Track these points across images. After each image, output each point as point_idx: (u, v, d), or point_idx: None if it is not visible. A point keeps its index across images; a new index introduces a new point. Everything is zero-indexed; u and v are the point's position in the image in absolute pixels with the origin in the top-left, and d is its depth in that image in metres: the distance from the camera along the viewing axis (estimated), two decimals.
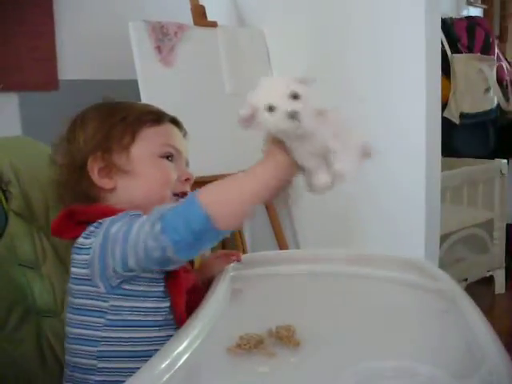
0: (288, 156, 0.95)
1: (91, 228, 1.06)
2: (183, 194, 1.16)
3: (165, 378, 0.81)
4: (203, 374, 0.90)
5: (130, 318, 1.05)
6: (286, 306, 1.10)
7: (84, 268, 1.05)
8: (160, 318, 1.07)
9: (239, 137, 2.91)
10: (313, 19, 2.80)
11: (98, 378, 1.06)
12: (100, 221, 1.06)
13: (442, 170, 2.57)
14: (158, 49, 2.61)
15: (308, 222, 2.93)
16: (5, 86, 2.53)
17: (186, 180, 1.18)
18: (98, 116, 1.17)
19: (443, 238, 3.00)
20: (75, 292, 1.09)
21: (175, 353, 0.87)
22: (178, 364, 0.85)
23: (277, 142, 0.95)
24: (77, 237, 1.08)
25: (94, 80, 2.63)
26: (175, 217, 0.95)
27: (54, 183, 1.19)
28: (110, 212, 1.06)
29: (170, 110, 2.60)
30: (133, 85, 2.50)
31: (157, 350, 0.98)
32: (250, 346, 0.90)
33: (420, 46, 2.34)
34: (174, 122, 1.24)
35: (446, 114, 3.51)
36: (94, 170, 1.13)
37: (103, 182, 1.13)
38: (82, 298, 1.07)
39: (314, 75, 2.97)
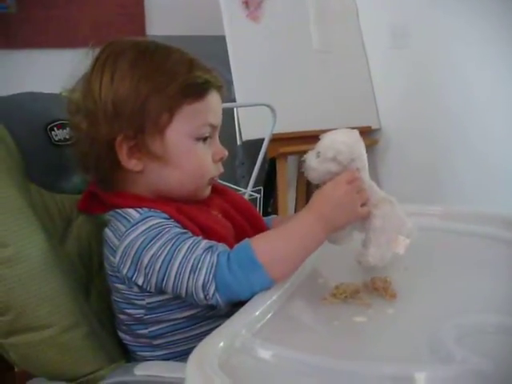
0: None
1: (119, 225, 0.98)
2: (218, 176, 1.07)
3: (259, 325, 0.80)
4: (298, 323, 0.88)
5: (171, 306, 0.99)
6: None
7: (117, 271, 0.99)
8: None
9: (325, 94, 2.88)
10: None
11: (158, 353, 1.03)
12: (127, 216, 0.97)
13: None
14: (246, 4, 2.58)
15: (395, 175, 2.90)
16: (95, 42, 2.56)
17: (219, 159, 1.06)
18: (134, 74, 0.98)
19: None
20: (110, 283, 1.03)
21: (268, 302, 0.85)
22: (272, 312, 0.84)
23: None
24: (105, 211, 1.03)
25: (181, 36, 2.62)
26: (235, 281, 0.88)
27: (74, 148, 1.04)
28: (135, 203, 0.99)
29: (256, 66, 2.56)
30: (220, 41, 2.49)
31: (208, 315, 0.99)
32: (345, 295, 0.88)
33: None
34: (218, 87, 1.04)
35: None
36: (122, 148, 0.98)
37: (131, 164, 0.99)
38: (118, 292, 1.02)
39: (402, 32, 2.85)
